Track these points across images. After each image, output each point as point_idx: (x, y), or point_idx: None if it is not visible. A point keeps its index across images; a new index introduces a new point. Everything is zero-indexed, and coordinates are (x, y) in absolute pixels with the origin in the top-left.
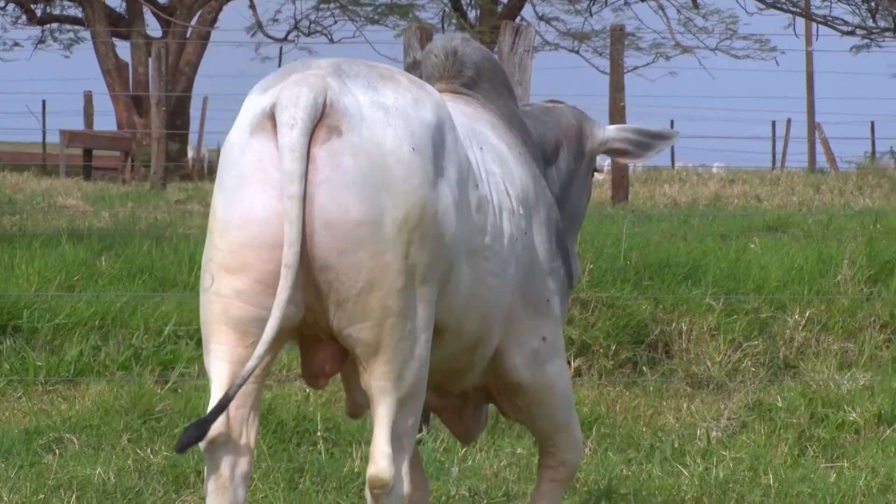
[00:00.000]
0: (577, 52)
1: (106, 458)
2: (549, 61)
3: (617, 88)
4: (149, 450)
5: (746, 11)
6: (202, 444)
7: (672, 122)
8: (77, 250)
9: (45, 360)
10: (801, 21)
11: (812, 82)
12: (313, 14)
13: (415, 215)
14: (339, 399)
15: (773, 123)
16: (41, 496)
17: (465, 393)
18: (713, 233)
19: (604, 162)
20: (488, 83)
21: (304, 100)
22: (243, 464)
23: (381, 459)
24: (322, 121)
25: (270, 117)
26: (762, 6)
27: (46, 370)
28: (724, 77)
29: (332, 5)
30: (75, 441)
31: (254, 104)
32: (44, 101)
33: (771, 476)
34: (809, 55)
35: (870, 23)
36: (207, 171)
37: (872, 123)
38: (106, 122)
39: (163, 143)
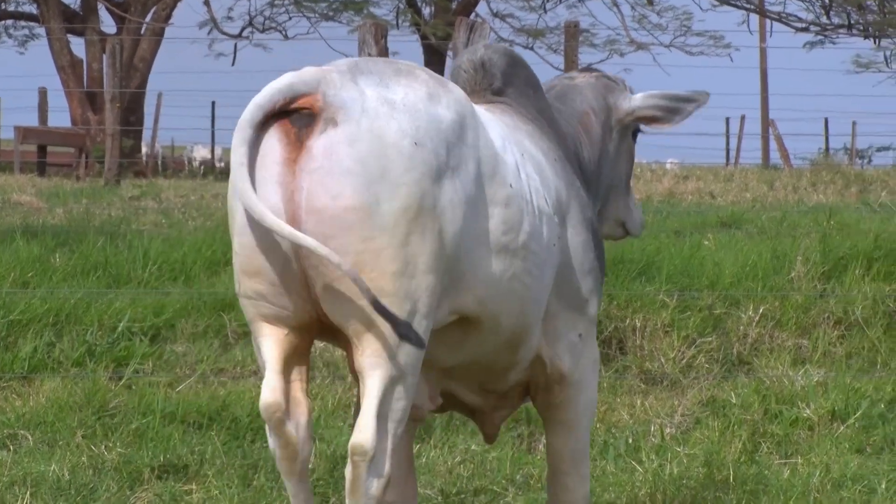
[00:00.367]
0: (532, 49)
1: (60, 454)
2: None
3: None
4: (103, 446)
5: (701, 8)
6: (264, 415)
7: None
8: (31, 247)
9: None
10: (755, 17)
11: (766, 79)
12: (268, 10)
13: (414, 207)
14: None
15: (727, 120)
16: None
17: (505, 394)
18: (667, 229)
19: None
20: (515, 87)
21: (278, 86)
22: (304, 421)
23: (365, 429)
24: (319, 115)
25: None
26: (716, 3)
27: (0, 367)
28: (679, 73)
29: (286, 1)
30: (29, 437)
31: (254, 103)
32: None
33: (725, 472)
34: (763, 52)
35: (823, 19)
36: (161, 167)
37: (826, 120)
38: (60, 118)
39: (117, 140)
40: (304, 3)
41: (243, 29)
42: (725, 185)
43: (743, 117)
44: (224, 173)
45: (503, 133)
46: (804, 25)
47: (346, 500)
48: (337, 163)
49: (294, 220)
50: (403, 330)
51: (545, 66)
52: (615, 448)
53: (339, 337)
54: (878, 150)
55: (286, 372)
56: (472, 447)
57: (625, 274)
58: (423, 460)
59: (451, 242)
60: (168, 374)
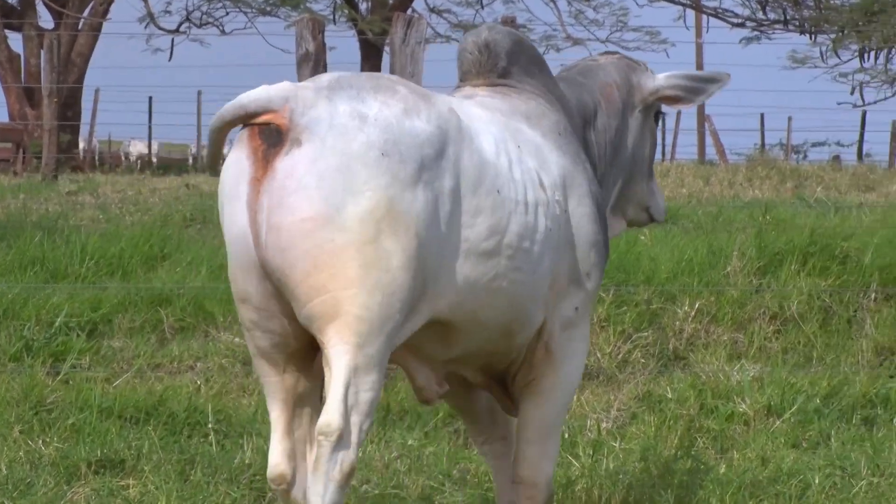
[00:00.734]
0: None
1: None
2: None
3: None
4: (40, 441)
5: (637, 4)
6: (271, 483)
7: None
8: None
9: None
10: (691, 13)
11: None
12: (205, 5)
13: (381, 208)
14: (230, 391)
15: (663, 115)
16: None
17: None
18: None
19: None
20: (519, 66)
21: (252, 96)
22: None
23: (331, 410)
24: (286, 135)
25: (249, 126)
26: None
27: None
28: None
29: None
30: None
31: None
32: None
33: (661, 467)
34: (699, 47)
35: (759, 15)
36: (98, 162)
37: (762, 115)
38: None
39: (54, 135)
40: None
41: (180, 24)
42: (661, 180)
43: (679, 113)
44: (161, 168)
45: (498, 131)
46: (740, 21)
47: (308, 479)
48: (297, 181)
49: (257, 239)
50: None
51: None
52: None
53: None
54: (814, 145)
55: (292, 428)
56: (409, 442)
57: None
58: (360, 454)
59: (428, 247)
60: (105, 370)
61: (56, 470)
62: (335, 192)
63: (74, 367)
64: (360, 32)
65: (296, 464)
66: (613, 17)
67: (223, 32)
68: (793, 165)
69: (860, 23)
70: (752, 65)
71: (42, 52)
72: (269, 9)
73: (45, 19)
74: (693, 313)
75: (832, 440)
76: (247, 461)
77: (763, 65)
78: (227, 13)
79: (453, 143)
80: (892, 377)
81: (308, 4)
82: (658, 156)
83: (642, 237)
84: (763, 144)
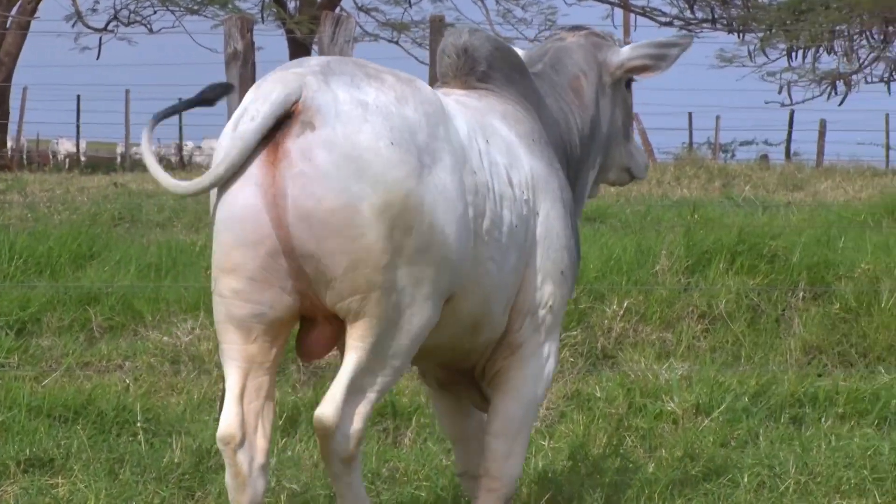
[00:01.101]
0: (397, 43)
1: None
2: (369, 52)
3: (436, 79)
4: None
5: (566, 2)
6: (219, 444)
7: None
8: None
9: None
10: (619, 12)
11: None
12: (133, 4)
13: (396, 204)
14: (159, 390)
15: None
16: None
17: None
18: None
19: None
20: (500, 72)
21: (276, 95)
22: (260, 456)
23: (327, 404)
24: (296, 117)
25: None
26: None
27: None
28: None
29: None
30: None
31: (243, 101)
32: None
33: (590, 466)
34: None
35: (688, 14)
36: (26, 161)
37: (690, 114)
38: None
39: None
40: None
41: (108, 22)
42: None
43: None
44: (89, 167)
45: (468, 122)
46: (668, 20)
47: (327, 467)
48: (316, 167)
49: (280, 224)
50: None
51: (410, 61)
52: None
53: (314, 330)
54: (742, 144)
55: (246, 394)
56: None
57: None
58: (289, 454)
59: (444, 235)
60: (34, 368)
61: None
62: (353, 183)
63: (3, 365)
64: (289, 31)
65: (245, 430)
66: (542, 15)
67: (151, 31)
68: (721, 164)
69: (788, 21)
70: (679, 63)
71: None
72: (196, 8)
73: None
74: (622, 312)
75: (760, 439)
76: (176, 460)
77: (691, 63)
78: (155, 12)
79: (441, 124)
80: (820, 376)
81: (236, 3)
82: None
83: None
84: (691, 143)
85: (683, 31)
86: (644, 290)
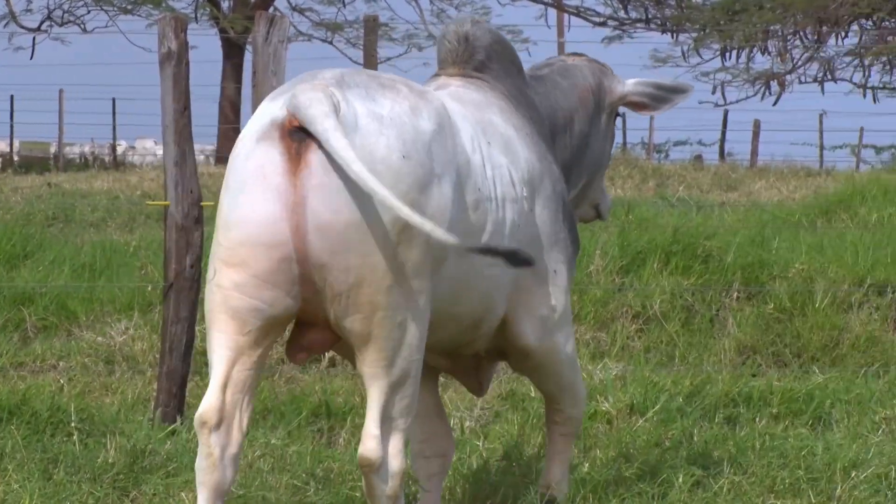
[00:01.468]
0: (331, 43)
1: None
2: (303, 52)
3: None
4: None
5: (499, 2)
6: (196, 424)
7: None
8: None
9: None
10: (553, 12)
11: None
12: (66, 4)
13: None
14: (93, 390)
15: (622, 114)
16: None
17: (479, 355)
18: None
19: None
20: (498, 64)
21: (324, 97)
22: (234, 446)
23: (368, 441)
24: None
25: (278, 126)
26: None
27: None
28: None
29: None
30: None
31: (264, 112)
32: None
33: (524, 466)
34: (561, 46)
35: (621, 14)
36: None
37: (624, 115)
38: None
39: None
40: None
41: (42, 22)
42: None
43: None
44: (23, 166)
45: (472, 127)
46: (602, 20)
47: (367, 502)
48: (336, 180)
49: (298, 233)
50: (513, 260)
51: (344, 60)
52: None
53: (312, 331)
54: (676, 144)
55: (230, 393)
56: (273, 441)
57: None
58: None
59: (438, 247)
60: None
61: None
62: (366, 197)
63: None
64: (222, 31)
65: (223, 416)
66: (475, 15)
67: (85, 31)
68: (655, 164)
69: (722, 22)
70: (614, 64)
71: None
72: (130, 7)
73: None
74: None
75: (695, 439)
76: (110, 460)
77: (625, 64)
78: (89, 11)
79: (450, 137)
80: (754, 376)
81: (170, 3)
82: None
83: None
84: (625, 143)
85: (617, 31)
86: (578, 290)
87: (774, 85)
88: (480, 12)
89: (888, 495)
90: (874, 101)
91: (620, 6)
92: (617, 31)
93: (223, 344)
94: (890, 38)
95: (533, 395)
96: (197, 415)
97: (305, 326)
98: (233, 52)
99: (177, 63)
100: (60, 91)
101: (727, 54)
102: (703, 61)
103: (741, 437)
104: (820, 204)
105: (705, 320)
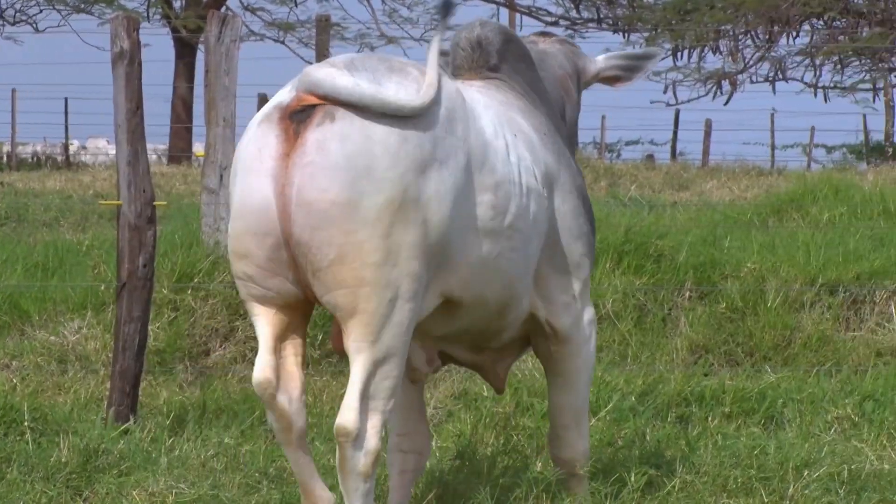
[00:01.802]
0: (283, 43)
1: None
2: (255, 51)
3: None
4: None
5: (451, 1)
6: (257, 391)
7: None
8: None
9: None
10: (505, 11)
11: None
12: (18, 3)
13: (397, 200)
14: (46, 389)
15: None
16: None
17: (502, 348)
18: None
19: None
20: (511, 62)
21: (325, 72)
22: (296, 391)
23: (347, 411)
24: (319, 108)
25: (280, 108)
26: None
27: None
28: None
29: None
30: None
31: (272, 99)
32: None
33: (478, 465)
34: None
35: (573, 14)
36: None
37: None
38: None
39: None
40: None
41: None
42: None
43: None
44: None
45: (497, 117)
46: (554, 19)
47: (338, 477)
48: (327, 158)
49: (284, 213)
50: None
51: (296, 60)
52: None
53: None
54: (628, 143)
55: (278, 348)
56: (226, 440)
57: None
58: (177, 453)
59: (436, 230)
60: None
61: None
62: (360, 176)
63: None
64: (175, 30)
65: (279, 374)
66: (427, 15)
67: (37, 30)
68: (607, 164)
69: (673, 21)
70: None
71: None
72: (83, 6)
73: None
74: None
75: (647, 438)
76: (63, 459)
77: None
78: (41, 10)
79: (461, 121)
80: (706, 375)
81: (122, 2)
82: None
83: None
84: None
85: (569, 31)
86: None
87: (726, 84)
88: (432, 12)
89: (840, 494)
90: (825, 100)
91: (572, 6)
92: (569, 31)
93: (260, 322)
94: (841, 38)
95: (486, 394)
96: (255, 381)
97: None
98: (185, 51)
99: (129, 62)
100: (13, 90)
101: (679, 54)
102: None
103: (694, 436)
104: (771, 203)
105: (657, 320)
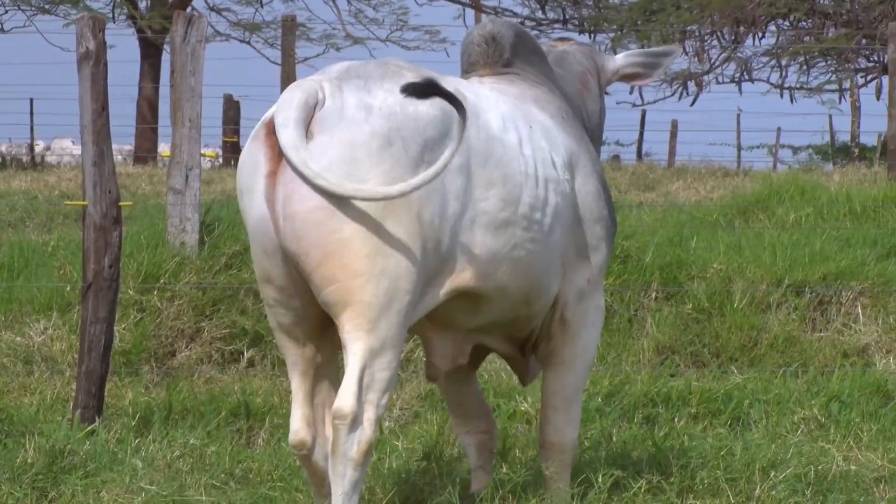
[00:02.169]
0: (249, 43)
1: None
2: (221, 52)
3: (289, 79)
4: None
5: (416, 2)
6: (293, 449)
7: None
8: None
9: None
10: (471, 12)
11: None
12: None
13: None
14: (12, 390)
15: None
16: None
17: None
18: None
19: None
20: (524, 56)
21: (297, 100)
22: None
23: (345, 395)
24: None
25: (265, 124)
26: None
27: None
28: None
29: None
30: None
31: (265, 115)
32: None
33: (444, 466)
34: None
35: (539, 14)
36: None
37: None
38: None
39: None
40: None
41: None
42: None
43: None
44: None
45: (508, 111)
46: (520, 20)
47: (329, 460)
48: (308, 171)
49: (276, 227)
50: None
51: (262, 61)
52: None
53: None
54: None
55: (311, 396)
56: (192, 441)
57: None
58: (143, 454)
59: (432, 226)
60: None
61: None
62: (344, 183)
63: None
64: (140, 31)
65: (315, 430)
66: (393, 16)
67: (2, 31)
68: None
69: (639, 22)
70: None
71: None
72: (48, 7)
73: None
74: None
75: (614, 439)
76: (29, 460)
77: None
78: (6, 11)
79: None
80: (672, 376)
81: (87, 3)
82: None
83: None
84: None
85: (535, 32)
86: None
87: (692, 85)
88: (398, 12)
89: (807, 495)
90: (791, 101)
91: (538, 6)
92: (535, 32)
93: (292, 360)
94: (806, 39)
95: None
96: (290, 442)
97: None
98: (150, 51)
99: (95, 63)
100: None
101: None
102: None
103: (660, 437)
104: (738, 204)
105: (624, 320)
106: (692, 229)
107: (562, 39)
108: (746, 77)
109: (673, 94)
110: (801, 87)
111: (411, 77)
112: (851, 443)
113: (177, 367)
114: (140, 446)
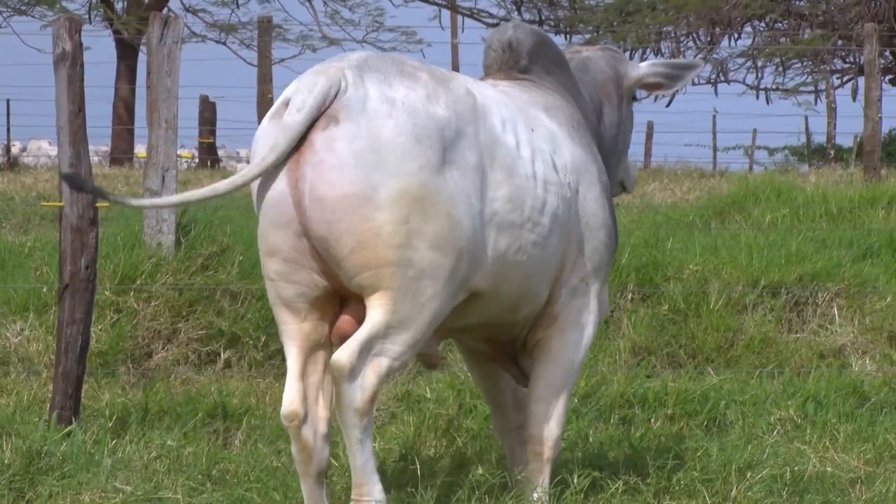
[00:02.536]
0: (225, 44)
1: None
2: (197, 52)
3: (265, 80)
4: None
5: (392, 4)
6: (283, 421)
7: None
8: None
9: None
10: (447, 13)
11: None
12: None
13: (412, 192)
14: None
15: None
16: None
17: (514, 340)
18: None
19: None
20: (540, 64)
21: (319, 88)
22: (322, 426)
23: (343, 349)
24: (325, 111)
25: (286, 103)
26: None
27: None
28: None
29: None
30: None
31: (283, 93)
32: None
33: (421, 467)
34: (455, 48)
35: (515, 15)
36: None
37: None
38: None
39: None
40: None
41: None
42: None
43: None
44: None
45: (511, 113)
46: (496, 21)
47: (337, 416)
48: (335, 156)
49: (300, 206)
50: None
51: (238, 62)
52: None
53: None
54: None
55: (306, 372)
56: (168, 442)
57: None
58: (119, 455)
59: (462, 226)
60: None
61: None
62: (370, 172)
63: None
64: (116, 32)
65: (307, 405)
66: (369, 17)
67: None
68: None
69: (615, 23)
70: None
71: None
72: (24, 8)
73: None
74: None
75: (590, 440)
76: (6, 461)
77: None
78: None
79: (471, 123)
80: (648, 377)
81: (63, 4)
82: None
83: None
84: None
85: None
86: None
87: None
88: (374, 14)
89: (783, 496)
90: (767, 102)
91: (514, 8)
92: None
93: (290, 336)
94: (782, 40)
95: (428, 396)
96: (282, 413)
97: (344, 303)
98: (126, 52)
99: (71, 64)
100: None
101: None
102: None
103: (636, 437)
104: (714, 205)
105: None
106: (668, 230)
107: (588, 44)
108: (722, 78)
109: (648, 96)
110: (777, 89)
111: (425, 78)
112: (828, 443)
113: (153, 369)
114: (117, 447)
